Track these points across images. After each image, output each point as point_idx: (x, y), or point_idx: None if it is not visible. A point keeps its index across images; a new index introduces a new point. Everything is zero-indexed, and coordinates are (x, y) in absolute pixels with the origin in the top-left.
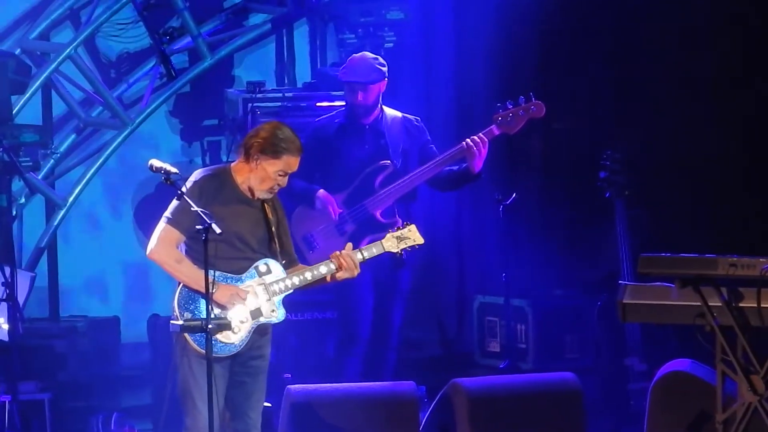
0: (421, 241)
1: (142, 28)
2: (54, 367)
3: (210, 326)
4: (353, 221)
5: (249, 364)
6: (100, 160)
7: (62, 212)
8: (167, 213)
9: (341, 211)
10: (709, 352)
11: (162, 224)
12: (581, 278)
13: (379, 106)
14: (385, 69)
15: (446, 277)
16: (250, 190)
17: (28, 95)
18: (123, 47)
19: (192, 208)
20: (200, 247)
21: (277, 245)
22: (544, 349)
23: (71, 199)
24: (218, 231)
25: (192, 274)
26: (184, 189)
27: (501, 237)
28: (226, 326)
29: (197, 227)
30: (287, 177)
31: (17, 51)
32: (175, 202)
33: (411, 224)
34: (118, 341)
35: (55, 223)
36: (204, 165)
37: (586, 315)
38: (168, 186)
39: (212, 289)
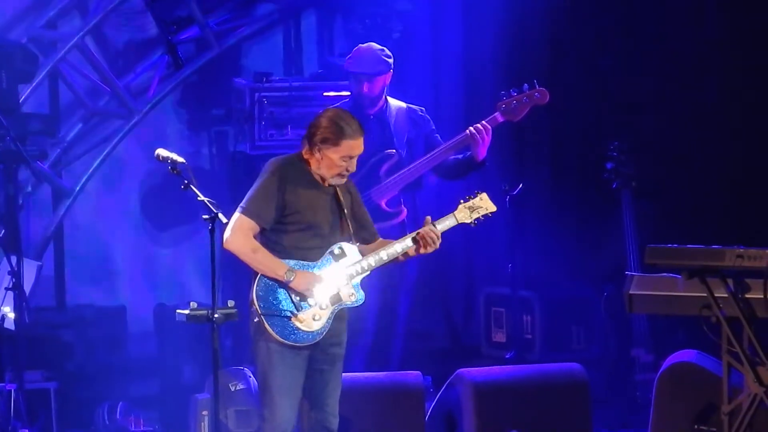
0: (493, 208)
1: (150, 18)
2: (60, 357)
3: (216, 315)
4: None
5: (328, 352)
6: (107, 150)
7: (69, 201)
8: (243, 203)
9: None
10: (715, 343)
11: (237, 214)
12: (588, 269)
13: (384, 96)
14: (391, 60)
15: (453, 267)
16: (322, 177)
17: (35, 84)
18: (130, 36)
19: (269, 198)
20: (277, 237)
21: (351, 228)
22: (550, 340)
23: (78, 188)
24: (224, 221)
25: (269, 264)
26: (201, 197)
27: (508, 227)
28: (232, 316)
29: (273, 215)
30: (355, 159)
31: (24, 40)
32: (251, 191)
33: (482, 192)
34: (125, 331)
35: (62, 212)
36: (210, 155)
37: (593, 306)
38: (175, 175)
39: (290, 278)
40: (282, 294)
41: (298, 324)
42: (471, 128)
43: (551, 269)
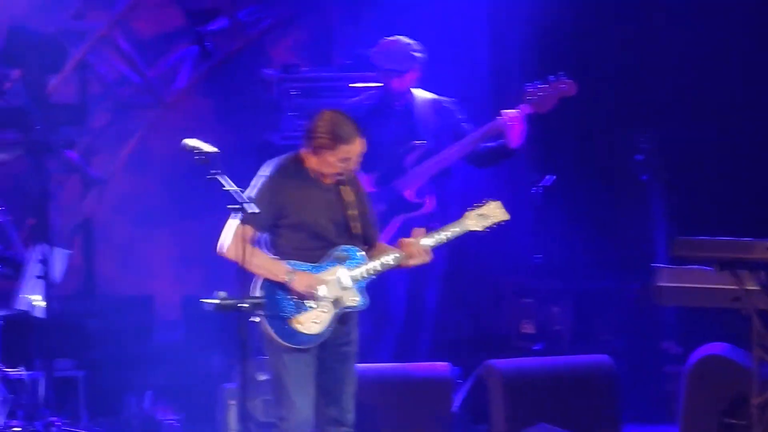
0: (506, 217)
1: (177, 8)
2: (88, 345)
3: (244, 305)
4: (384, 201)
5: (337, 351)
6: (135, 139)
7: (98, 190)
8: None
9: (372, 190)
10: (745, 335)
11: (233, 220)
12: (617, 260)
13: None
14: (420, 55)
15: (481, 258)
16: (322, 175)
17: (63, 74)
18: (158, 27)
19: (265, 202)
20: (278, 240)
21: (359, 228)
22: (579, 332)
23: (106, 177)
24: (256, 210)
25: (268, 267)
26: (230, 188)
27: (536, 218)
28: (260, 306)
29: (269, 219)
30: (353, 159)
31: (53, 30)
32: (247, 196)
33: (494, 200)
34: (153, 320)
35: (91, 201)
36: (237, 145)
37: (622, 297)
38: (202, 165)
39: (291, 279)
40: (282, 295)
41: (297, 326)
42: (502, 113)
43: (580, 260)
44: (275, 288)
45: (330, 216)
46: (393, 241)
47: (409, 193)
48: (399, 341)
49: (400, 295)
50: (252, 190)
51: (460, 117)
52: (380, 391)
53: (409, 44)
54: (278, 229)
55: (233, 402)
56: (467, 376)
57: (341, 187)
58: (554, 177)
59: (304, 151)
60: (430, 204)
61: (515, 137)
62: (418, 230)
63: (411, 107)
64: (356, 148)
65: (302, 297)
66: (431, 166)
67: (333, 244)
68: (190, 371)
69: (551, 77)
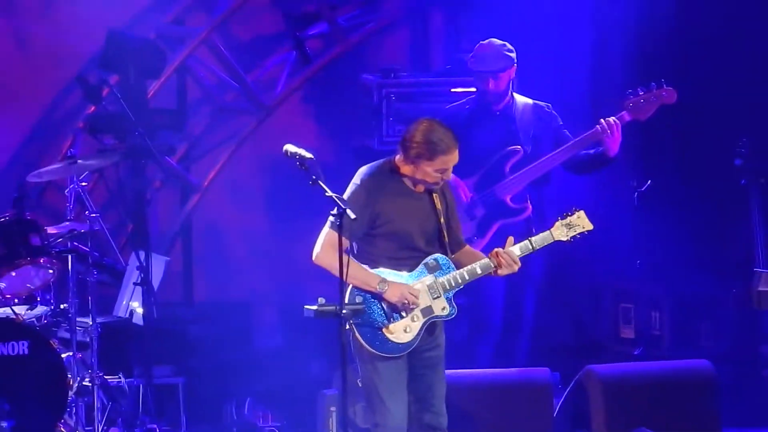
0: (590, 227)
1: (277, 13)
2: (188, 352)
3: (344, 311)
4: (483, 206)
5: (425, 357)
6: (234, 145)
7: (197, 197)
8: (331, 216)
9: (471, 195)
10: None
11: (326, 228)
12: (715, 265)
13: (510, 92)
14: (513, 55)
15: (580, 263)
16: (416, 183)
17: (162, 80)
18: (257, 32)
19: (359, 210)
20: (369, 248)
21: (448, 237)
22: (678, 336)
23: (206, 183)
24: (353, 216)
25: (361, 276)
26: (330, 192)
27: (635, 223)
28: (360, 312)
29: (363, 226)
30: (450, 169)
31: (152, 35)
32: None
33: (579, 210)
34: (252, 326)
35: (190, 208)
36: (337, 150)
37: (721, 302)
38: (302, 171)
39: (383, 289)
40: (373, 304)
41: (388, 335)
42: (602, 121)
43: (679, 265)
44: (366, 297)
45: (422, 224)
46: (490, 247)
47: (509, 199)
48: (497, 346)
49: (497, 300)
50: (346, 197)
51: (560, 123)
52: (480, 396)
53: (502, 45)
54: (370, 238)
55: (333, 408)
56: (567, 381)
57: (434, 194)
58: (649, 182)
59: (398, 158)
60: (529, 210)
61: (614, 145)
62: (509, 239)
63: (511, 112)
64: (454, 158)
65: (395, 307)
66: (531, 171)
67: (424, 253)
68: (289, 377)
69: (653, 84)
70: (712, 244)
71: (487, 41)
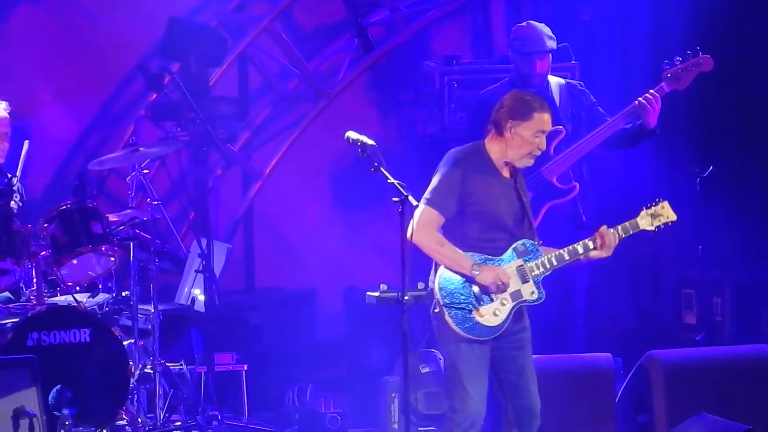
0: (674, 217)
1: (338, 0)
2: (249, 339)
3: (406, 298)
4: (531, 188)
5: (514, 339)
6: (296, 133)
7: (258, 184)
8: (426, 194)
9: None
10: None
11: (422, 206)
12: None
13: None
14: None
15: (642, 248)
16: (507, 165)
17: (224, 67)
18: (318, 19)
19: (451, 187)
20: (460, 229)
21: (533, 221)
22: (740, 322)
23: (267, 170)
24: (414, 203)
25: (455, 257)
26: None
27: (698, 209)
28: (422, 298)
29: (455, 204)
30: (545, 137)
31: (214, 23)
32: (434, 183)
33: (663, 201)
34: (314, 313)
35: (251, 195)
36: (399, 137)
37: None
38: (364, 158)
39: (476, 272)
40: (464, 287)
41: (478, 318)
42: (640, 99)
43: (741, 251)
44: (457, 279)
45: (509, 208)
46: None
47: (555, 179)
48: (551, 331)
49: (581, 286)
50: (437, 179)
51: (594, 100)
52: (543, 382)
53: (543, 25)
54: (461, 219)
55: (395, 395)
56: (629, 366)
57: (517, 181)
58: (711, 168)
59: (488, 140)
60: (576, 189)
61: (653, 117)
62: (603, 226)
63: (548, 92)
64: (548, 119)
65: (487, 290)
66: (575, 151)
67: (513, 236)
68: (352, 364)
69: (688, 53)
70: None
71: (525, 23)
